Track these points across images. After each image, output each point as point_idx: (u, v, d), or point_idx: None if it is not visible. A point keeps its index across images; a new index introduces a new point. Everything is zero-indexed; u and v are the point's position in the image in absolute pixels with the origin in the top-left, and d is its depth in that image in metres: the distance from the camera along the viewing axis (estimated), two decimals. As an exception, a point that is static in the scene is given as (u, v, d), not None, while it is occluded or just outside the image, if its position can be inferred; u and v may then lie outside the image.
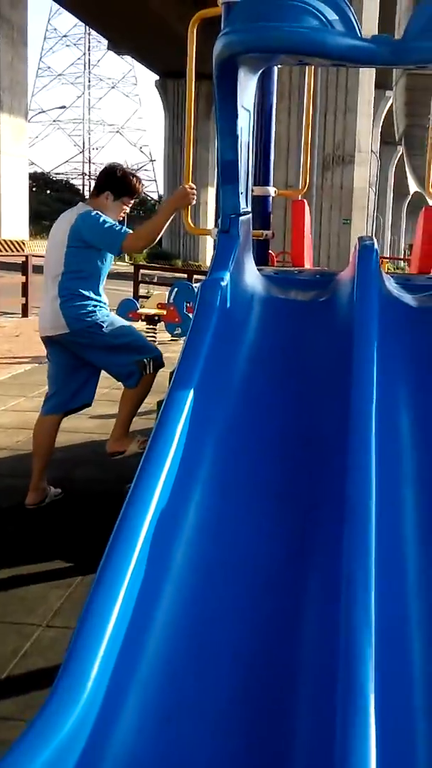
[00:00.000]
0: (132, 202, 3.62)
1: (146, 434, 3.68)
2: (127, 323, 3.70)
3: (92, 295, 3.44)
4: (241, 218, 2.18)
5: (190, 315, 5.13)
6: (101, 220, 3.34)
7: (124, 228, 3.35)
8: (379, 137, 31.82)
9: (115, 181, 3.50)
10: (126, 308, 7.42)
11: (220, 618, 1.40)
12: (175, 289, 8.06)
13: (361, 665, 1.14)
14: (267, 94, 3.10)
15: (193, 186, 3.18)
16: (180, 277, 14.36)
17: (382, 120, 30.95)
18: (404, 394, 1.85)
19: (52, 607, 2.59)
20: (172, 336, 7.77)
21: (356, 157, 16.73)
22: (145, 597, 1.28)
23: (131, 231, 3.34)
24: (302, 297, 2.32)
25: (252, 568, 1.49)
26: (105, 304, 3.55)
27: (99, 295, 3.51)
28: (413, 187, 60.84)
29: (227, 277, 1.95)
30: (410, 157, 52.22)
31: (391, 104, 32.93)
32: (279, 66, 3.23)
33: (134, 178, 3.54)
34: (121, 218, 3.61)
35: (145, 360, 3.51)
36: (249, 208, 2.28)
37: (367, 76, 16.31)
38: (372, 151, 21.78)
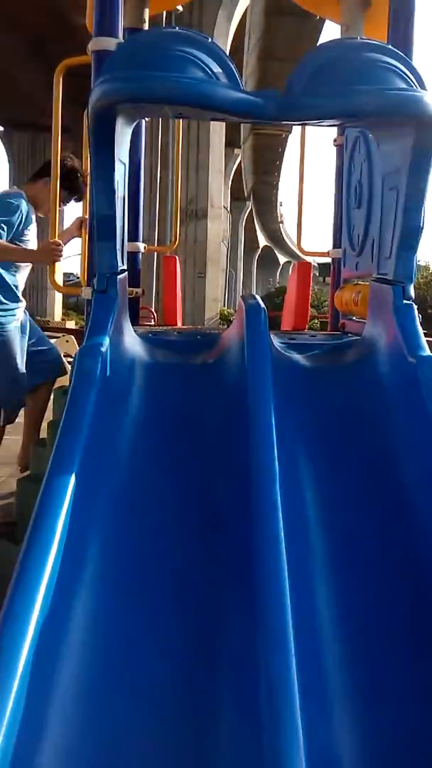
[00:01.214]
0: (70, 201, 3.44)
1: (4, 509, 3.41)
2: (18, 357, 3.43)
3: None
4: (118, 278, 2.05)
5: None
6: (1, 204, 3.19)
7: (3, 234, 3.17)
8: (230, 193, 33.14)
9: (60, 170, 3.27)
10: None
11: (124, 751, 1.21)
12: (31, 348, 7.93)
13: None
14: (136, 149, 3.03)
15: (60, 243, 3.04)
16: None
17: (231, 177, 32.29)
18: (305, 463, 1.78)
19: None
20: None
21: (209, 212, 17.22)
22: (30, 735, 1.08)
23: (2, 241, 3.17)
24: (187, 360, 2.22)
25: (152, 684, 1.29)
26: (11, 314, 3.33)
27: (9, 300, 3.32)
28: (263, 241, 63.79)
29: (107, 342, 1.81)
30: (259, 212, 54.80)
31: (240, 162, 34.52)
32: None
33: (82, 177, 3.32)
34: None
35: None
36: (125, 266, 2.17)
37: (218, 134, 16.99)
38: (224, 206, 22.57)
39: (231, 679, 1.28)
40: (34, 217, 3.44)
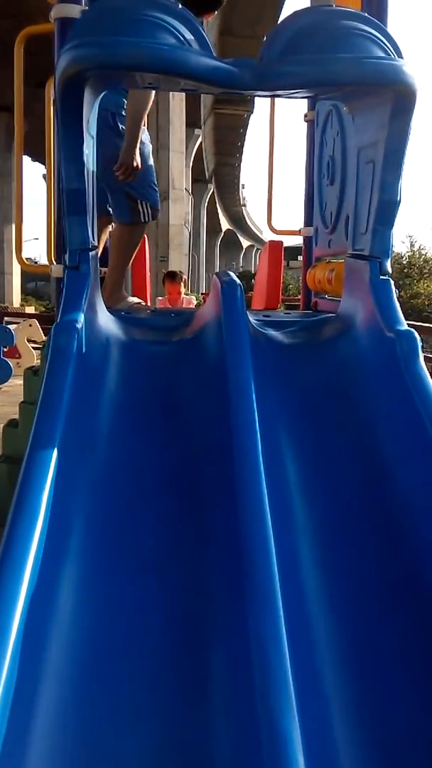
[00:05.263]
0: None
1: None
2: None
3: None
4: (90, 253, 2.05)
5: (8, 360, 4.88)
6: None
7: None
8: (191, 175, 32.99)
9: None
10: None
11: (114, 719, 1.24)
12: (-11, 333, 8.07)
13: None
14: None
15: None
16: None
17: (192, 158, 32.14)
18: (285, 440, 1.80)
19: None
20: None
21: (171, 194, 17.14)
22: (23, 705, 1.11)
23: None
24: (163, 337, 2.22)
25: (143, 656, 1.33)
26: None
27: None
28: (225, 224, 63.73)
29: (81, 318, 1.81)
30: (221, 195, 54.71)
31: (201, 142, 34.35)
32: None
33: None
34: None
35: None
36: (96, 243, 2.16)
37: (178, 113, 16.92)
38: (185, 188, 22.49)
39: (220, 644, 1.32)
40: None
